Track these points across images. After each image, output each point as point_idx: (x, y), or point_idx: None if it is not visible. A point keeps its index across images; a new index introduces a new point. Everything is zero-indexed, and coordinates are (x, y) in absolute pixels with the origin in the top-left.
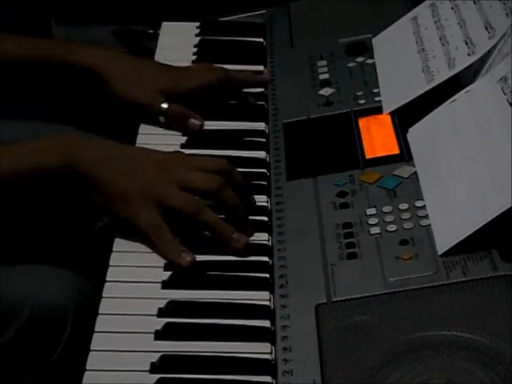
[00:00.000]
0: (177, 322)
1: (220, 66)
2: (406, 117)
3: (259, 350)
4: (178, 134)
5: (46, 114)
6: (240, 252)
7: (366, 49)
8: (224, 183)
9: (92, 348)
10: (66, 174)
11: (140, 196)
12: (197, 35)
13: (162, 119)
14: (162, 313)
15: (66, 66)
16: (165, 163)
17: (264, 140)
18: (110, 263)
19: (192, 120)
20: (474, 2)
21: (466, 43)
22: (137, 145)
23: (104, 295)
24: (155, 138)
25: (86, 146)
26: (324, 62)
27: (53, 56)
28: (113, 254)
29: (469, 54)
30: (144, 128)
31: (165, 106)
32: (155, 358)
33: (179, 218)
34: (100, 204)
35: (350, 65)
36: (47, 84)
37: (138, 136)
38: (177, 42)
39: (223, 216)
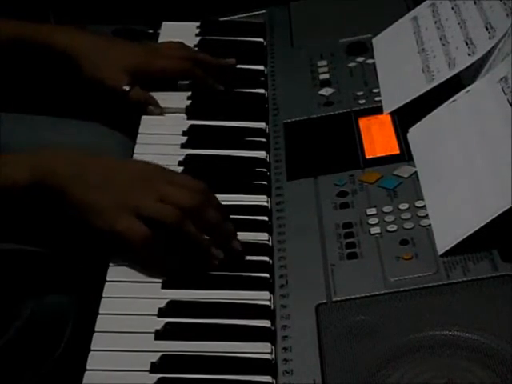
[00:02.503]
0: (177, 321)
1: (190, 48)
2: (406, 117)
3: (259, 349)
4: (178, 133)
5: (48, 111)
6: (216, 266)
7: (366, 49)
8: (206, 201)
9: (92, 348)
10: (39, 188)
11: (116, 206)
12: (197, 35)
13: (125, 100)
14: (162, 313)
15: (38, 47)
16: (144, 174)
17: (264, 140)
18: (110, 263)
19: (151, 107)
20: (475, 2)
21: (467, 43)
22: (137, 145)
23: (104, 295)
24: (155, 138)
25: (58, 160)
26: (324, 62)
27: (26, 37)
28: (113, 254)
29: (469, 54)
30: (144, 128)
31: (126, 88)
32: (155, 357)
33: (157, 229)
34: (76, 218)
35: (350, 65)
36: (36, 75)
37: (138, 136)
38: None
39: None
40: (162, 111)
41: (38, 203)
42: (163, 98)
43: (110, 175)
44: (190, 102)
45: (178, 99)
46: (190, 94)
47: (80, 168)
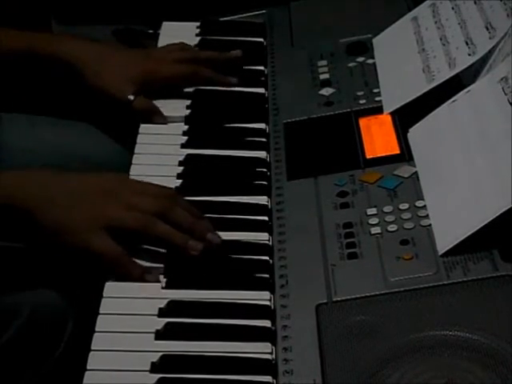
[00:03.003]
0: (177, 321)
1: (192, 49)
2: (406, 117)
3: (260, 349)
4: (178, 133)
5: (50, 112)
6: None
7: (366, 49)
8: (172, 204)
9: (92, 348)
10: (9, 209)
11: (86, 224)
12: (197, 35)
13: (129, 109)
14: (162, 313)
15: (43, 57)
16: (109, 188)
17: (264, 140)
18: None
19: (156, 116)
20: (475, 2)
21: (467, 43)
22: (137, 145)
23: (104, 295)
24: (155, 138)
25: (24, 182)
26: (324, 62)
27: (30, 47)
28: None
29: (469, 54)
30: (144, 128)
31: (131, 97)
32: (156, 357)
33: (131, 237)
34: (51, 239)
35: (350, 65)
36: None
37: (139, 136)
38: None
39: None
40: (166, 120)
41: (12, 222)
42: (161, 106)
43: (76, 192)
44: (189, 111)
45: (178, 107)
46: (189, 102)
47: (47, 191)
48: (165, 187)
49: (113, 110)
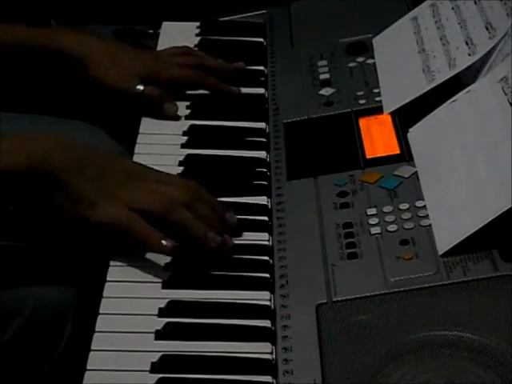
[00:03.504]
0: (177, 321)
1: (198, 54)
2: (406, 117)
3: (260, 349)
4: (179, 133)
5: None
6: (217, 251)
7: (366, 49)
8: (197, 196)
9: (92, 348)
10: (35, 174)
11: (108, 199)
12: (197, 35)
13: (139, 101)
14: (162, 313)
15: (43, 51)
16: (135, 172)
17: (264, 140)
18: (110, 263)
19: (168, 104)
20: (475, 2)
21: (467, 43)
22: (137, 145)
23: (104, 295)
24: (155, 138)
25: (56, 148)
26: (324, 62)
27: (30, 41)
28: (113, 254)
29: (469, 54)
30: (144, 128)
31: (140, 87)
32: (156, 357)
33: (152, 220)
34: (67, 207)
35: (350, 65)
36: (36, 75)
37: (139, 136)
38: (177, 42)
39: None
40: (177, 108)
41: (32, 190)
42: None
43: (105, 169)
44: (189, 111)
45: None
46: (189, 103)
47: (77, 158)
48: (191, 181)
49: (116, 106)
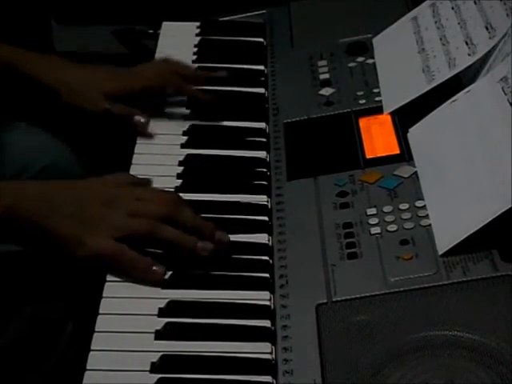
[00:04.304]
0: (177, 321)
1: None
2: (406, 117)
3: (259, 349)
4: (178, 133)
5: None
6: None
7: (366, 49)
8: (176, 206)
9: (92, 348)
10: (10, 222)
11: (91, 234)
12: (197, 35)
13: (108, 120)
14: (162, 313)
15: (20, 75)
16: (110, 196)
17: (264, 140)
18: None
19: (136, 117)
20: (475, 2)
21: (467, 43)
22: (137, 145)
23: (104, 295)
24: (155, 138)
25: (26, 193)
26: (324, 62)
27: (9, 63)
28: None
29: (469, 54)
30: None
31: (107, 106)
32: (155, 357)
33: (139, 244)
34: (52, 250)
35: (350, 65)
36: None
37: (138, 137)
38: (177, 42)
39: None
40: (148, 120)
41: (10, 234)
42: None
43: (78, 201)
44: (189, 111)
45: (177, 108)
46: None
47: (50, 200)
48: (169, 192)
49: (95, 128)
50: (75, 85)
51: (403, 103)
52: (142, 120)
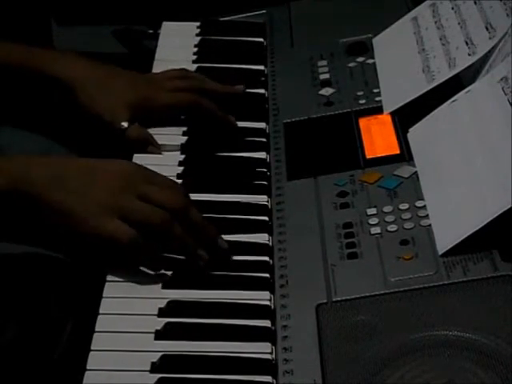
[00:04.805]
0: (177, 321)
1: (194, 77)
2: (406, 117)
3: (260, 349)
4: (178, 133)
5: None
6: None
7: (366, 49)
8: (189, 203)
9: (92, 348)
10: (14, 196)
11: (98, 211)
12: (197, 35)
13: (120, 137)
14: (162, 313)
15: (34, 73)
16: (123, 174)
17: (264, 140)
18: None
19: (150, 147)
20: (475, 2)
21: (467, 43)
22: None
23: (104, 295)
24: (155, 138)
25: (34, 165)
26: (324, 62)
27: (22, 62)
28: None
29: (469, 54)
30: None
31: (125, 124)
32: (155, 357)
33: (143, 230)
34: (55, 224)
35: (350, 65)
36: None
37: None
38: (177, 42)
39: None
40: (160, 150)
41: (16, 211)
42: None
43: (89, 178)
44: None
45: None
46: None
47: (57, 172)
48: (177, 183)
49: (106, 137)
50: (94, 87)
51: (403, 103)
52: (156, 151)
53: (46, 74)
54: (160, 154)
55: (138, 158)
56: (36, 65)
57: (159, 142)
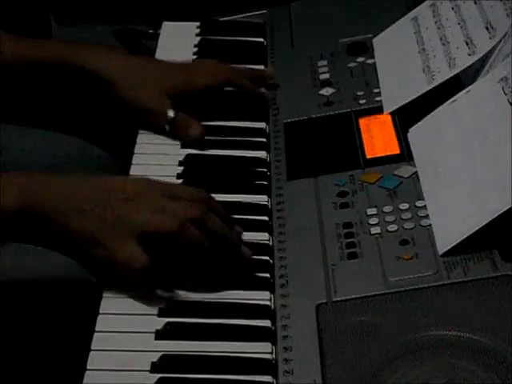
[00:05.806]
0: (177, 321)
1: (223, 63)
2: (406, 117)
3: (260, 349)
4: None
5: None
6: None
7: (366, 49)
8: (207, 210)
9: (92, 348)
10: (25, 218)
11: (112, 233)
12: (197, 35)
13: (167, 127)
14: (162, 312)
15: (67, 68)
16: (138, 192)
17: (264, 140)
18: None
19: (193, 128)
20: (475, 2)
21: (467, 43)
22: (137, 145)
23: (104, 295)
24: (155, 138)
25: (46, 185)
26: (324, 62)
27: (54, 57)
28: None
29: (469, 54)
30: (144, 128)
31: (171, 114)
32: (156, 357)
33: (162, 244)
34: (69, 249)
35: (350, 65)
36: (47, 88)
37: (138, 136)
38: (177, 42)
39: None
40: (203, 130)
41: (27, 232)
42: (156, 143)
43: (104, 198)
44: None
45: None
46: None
47: (70, 194)
48: (198, 190)
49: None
50: (132, 78)
51: (403, 103)
52: (196, 132)
53: (79, 68)
54: (203, 133)
55: (139, 158)
56: (70, 59)
57: (159, 142)
